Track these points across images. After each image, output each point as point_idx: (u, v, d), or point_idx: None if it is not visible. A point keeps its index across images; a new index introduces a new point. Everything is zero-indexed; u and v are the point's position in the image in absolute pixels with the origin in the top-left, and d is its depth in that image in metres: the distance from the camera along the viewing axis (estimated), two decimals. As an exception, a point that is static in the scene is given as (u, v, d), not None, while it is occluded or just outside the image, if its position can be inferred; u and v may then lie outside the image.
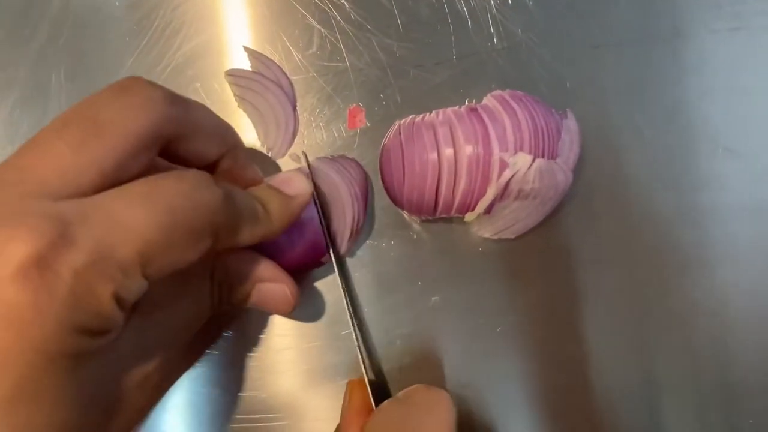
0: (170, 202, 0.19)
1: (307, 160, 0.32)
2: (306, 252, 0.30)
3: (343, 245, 0.32)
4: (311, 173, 0.31)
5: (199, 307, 0.25)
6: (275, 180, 0.27)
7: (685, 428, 0.33)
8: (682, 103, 0.34)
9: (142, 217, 0.18)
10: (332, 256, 0.31)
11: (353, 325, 0.31)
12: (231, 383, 0.33)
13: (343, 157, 0.34)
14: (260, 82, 0.33)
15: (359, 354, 0.31)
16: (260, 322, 0.34)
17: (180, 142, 0.22)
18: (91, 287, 0.17)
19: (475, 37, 0.34)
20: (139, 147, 0.20)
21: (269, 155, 0.34)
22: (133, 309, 0.20)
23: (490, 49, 0.34)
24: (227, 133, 0.25)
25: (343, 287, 0.31)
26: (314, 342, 0.33)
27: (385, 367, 0.33)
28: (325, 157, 0.33)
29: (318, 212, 0.30)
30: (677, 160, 0.34)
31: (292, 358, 0.33)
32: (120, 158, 0.19)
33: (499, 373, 0.33)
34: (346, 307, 0.31)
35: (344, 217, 0.31)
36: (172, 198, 0.19)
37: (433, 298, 0.33)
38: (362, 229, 0.33)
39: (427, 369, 0.33)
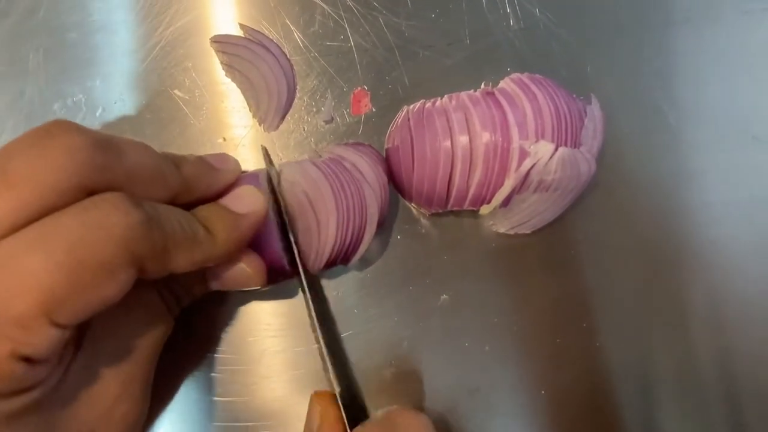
0: (72, 238, 0.17)
1: (270, 161, 0.28)
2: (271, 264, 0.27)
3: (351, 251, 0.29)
4: (279, 178, 0.27)
5: (154, 316, 0.24)
6: (226, 197, 0.25)
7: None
8: (710, 89, 0.33)
9: (40, 263, 0.16)
10: (302, 274, 0.27)
11: (319, 340, 0.28)
12: (220, 387, 0.31)
13: (362, 144, 0.31)
14: (249, 47, 0.31)
15: (327, 366, 0.28)
16: (252, 324, 0.31)
17: (113, 190, 0.20)
18: None
19: (489, 16, 0.33)
20: (56, 200, 0.18)
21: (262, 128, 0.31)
22: (77, 347, 0.19)
23: (506, 29, 0.32)
24: (174, 179, 0.23)
25: (308, 304, 0.28)
26: (308, 345, 0.31)
27: (389, 371, 0.31)
28: (344, 144, 0.30)
29: (280, 226, 0.27)
30: (704, 149, 0.32)
31: (284, 361, 0.31)
32: (33, 213, 0.17)
33: (513, 376, 0.31)
34: (312, 324, 0.28)
35: (328, 224, 0.27)
36: (74, 233, 0.17)
37: (442, 297, 0.32)
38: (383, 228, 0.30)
39: (434, 373, 0.31)
